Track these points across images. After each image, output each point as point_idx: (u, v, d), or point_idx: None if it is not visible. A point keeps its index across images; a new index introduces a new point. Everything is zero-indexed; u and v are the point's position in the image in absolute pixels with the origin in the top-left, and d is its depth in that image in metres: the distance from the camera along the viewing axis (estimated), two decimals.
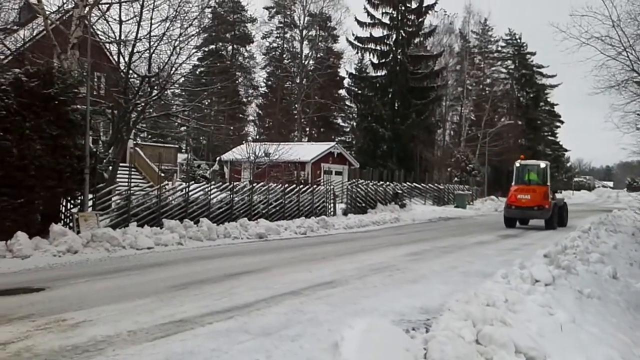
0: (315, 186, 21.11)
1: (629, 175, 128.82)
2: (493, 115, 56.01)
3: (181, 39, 15.54)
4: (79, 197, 12.49)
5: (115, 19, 15.63)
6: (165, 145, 32.23)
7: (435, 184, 35.61)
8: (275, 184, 19.52)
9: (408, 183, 31.13)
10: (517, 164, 22.34)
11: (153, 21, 15.21)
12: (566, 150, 75.07)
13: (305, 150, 32.08)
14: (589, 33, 18.53)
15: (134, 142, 24.42)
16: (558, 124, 71.05)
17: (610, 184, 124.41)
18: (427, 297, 7.42)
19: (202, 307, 6.62)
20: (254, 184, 18.46)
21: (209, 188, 16.21)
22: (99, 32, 16.53)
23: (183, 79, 19.48)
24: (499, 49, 65.43)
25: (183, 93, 43.76)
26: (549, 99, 68.85)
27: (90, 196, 12.67)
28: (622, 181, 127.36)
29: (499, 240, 16.22)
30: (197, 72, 38.61)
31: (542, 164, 22.45)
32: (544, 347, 4.88)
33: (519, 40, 65.80)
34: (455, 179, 40.06)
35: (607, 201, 64.41)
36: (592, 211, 36.96)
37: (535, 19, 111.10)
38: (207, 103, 38.22)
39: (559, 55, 73.97)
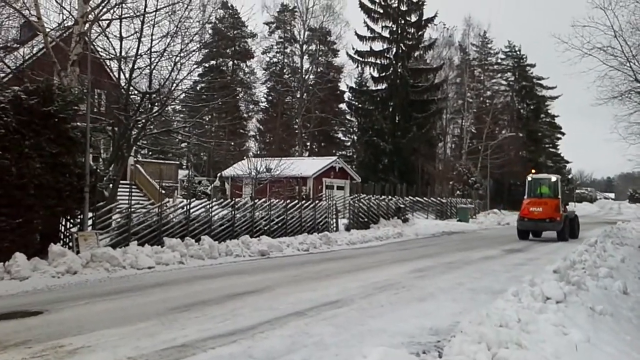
0: (317, 201, 20.93)
1: (631, 187, 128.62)
2: (494, 127, 56.00)
3: (182, 54, 15.48)
4: (79, 216, 12.31)
5: (115, 35, 15.59)
6: (166, 162, 32.12)
7: (438, 198, 35.42)
8: (277, 200, 19.34)
9: (410, 197, 30.95)
10: (529, 178, 23.05)
11: (154, 37, 15.17)
12: (567, 162, 74.85)
13: (307, 165, 31.93)
14: (591, 44, 18.49)
15: (135, 159, 24.31)
16: (559, 135, 70.95)
17: (612, 195, 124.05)
18: (437, 317, 7.21)
19: (204, 330, 6.42)
20: (256, 200, 18.29)
21: (211, 205, 16.03)
22: (99, 49, 16.48)
23: (184, 94, 19.40)
24: (499, 61, 65.68)
25: (184, 109, 43.85)
26: (549, 111, 68.84)
27: (90, 215, 12.49)
28: (623, 192, 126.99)
29: (505, 255, 15.99)
30: (198, 88, 38.68)
31: (553, 178, 23.06)
32: None
33: (518, 52, 66.01)
34: (458, 192, 39.88)
35: (610, 213, 64.11)
36: (596, 223, 36.73)
37: (535, 31, 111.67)
38: (207, 119, 38.18)
39: (560, 66, 74.07)
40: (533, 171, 24.52)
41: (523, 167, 57.01)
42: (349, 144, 59.59)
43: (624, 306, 8.88)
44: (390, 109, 46.16)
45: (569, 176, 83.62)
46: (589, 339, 6.00)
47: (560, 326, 6.19)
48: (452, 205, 35.22)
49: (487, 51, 63.83)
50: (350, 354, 5.47)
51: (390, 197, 26.31)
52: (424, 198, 34.04)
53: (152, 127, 17.55)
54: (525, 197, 22.41)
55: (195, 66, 21.02)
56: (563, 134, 70.94)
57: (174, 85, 16.13)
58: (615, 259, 14.02)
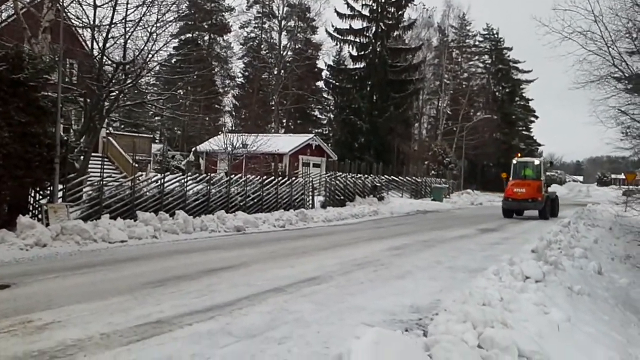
0: (293, 178, 20.73)
1: (599, 170, 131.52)
2: (469, 109, 56.35)
3: (158, 24, 14.95)
4: (49, 188, 11.88)
5: (89, 3, 14.94)
6: (140, 135, 31.43)
7: (413, 177, 35.54)
8: (253, 176, 19.08)
9: (386, 176, 30.96)
10: (515, 161, 24.49)
11: (129, 5, 14.59)
12: (540, 145, 75.94)
13: (284, 142, 31.62)
14: (571, 27, 18.45)
15: (107, 131, 23.68)
16: (532, 118, 71.82)
17: (580, 178, 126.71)
18: (416, 295, 7.14)
19: (180, 306, 6.23)
20: (232, 176, 18.00)
21: (185, 179, 15.70)
22: (71, 16, 15.81)
23: (159, 66, 18.86)
24: (477, 43, 65.84)
25: (158, 82, 42.91)
26: (524, 94, 69.56)
27: (61, 187, 12.06)
28: (591, 176, 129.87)
29: (479, 234, 16.09)
30: (173, 61, 37.81)
31: (537, 161, 24.58)
32: (547, 350, 4.62)
33: (496, 35, 66.28)
34: (433, 172, 40.11)
35: (579, 195, 65.44)
36: (567, 205, 37.34)
37: (513, 14, 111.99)
38: (182, 92, 37.45)
39: (538, 50, 74.68)
40: (518, 155, 25.78)
41: (497, 148, 57.76)
42: (325, 122, 59.34)
43: (599, 286, 8.98)
44: (368, 88, 45.96)
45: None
46: (569, 319, 6.00)
47: (541, 305, 6.17)
48: (426, 185, 35.41)
49: (465, 33, 63.88)
50: (331, 332, 5.36)
51: (366, 175, 26.27)
52: (400, 177, 34.12)
53: (125, 98, 17.04)
54: (510, 178, 23.68)
55: (171, 38, 20.46)
56: (537, 117, 71.90)
57: (149, 56, 15.63)
58: (589, 240, 14.24)
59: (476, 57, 66.37)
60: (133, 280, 7.58)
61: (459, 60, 61.49)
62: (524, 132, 70.57)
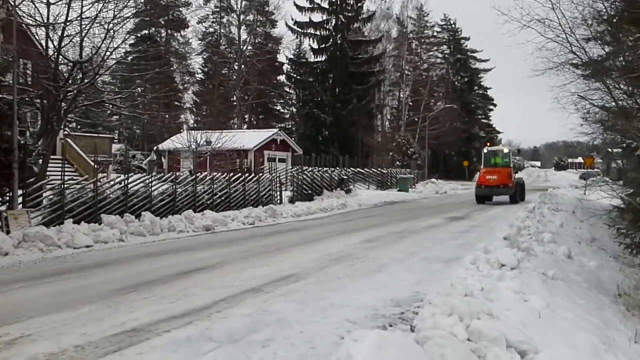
0: (260, 174, 20.51)
1: (556, 155, 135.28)
2: (430, 99, 56.95)
3: (115, 21, 14.45)
4: (8, 194, 11.38)
5: (42, 1, 14.34)
6: (99, 135, 30.56)
7: (379, 169, 35.70)
8: (219, 173, 18.77)
9: (352, 168, 31.00)
10: (485, 150, 25.94)
11: (84, 2, 14.04)
12: (499, 133, 77.45)
13: (248, 138, 31.28)
14: (530, 15, 18.73)
15: (65, 132, 22.89)
16: (491, 107, 73.17)
17: (538, 163, 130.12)
18: (396, 288, 7.09)
19: (155, 312, 6.01)
20: (197, 174, 17.66)
21: (150, 179, 15.32)
22: (24, 15, 15.14)
23: (116, 64, 18.29)
24: (435, 34, 66.51)
25: (115, 81, 41.79)
26: (482, 83, 70.78)
27: (20, 192, 11.58)
28: (548, 161, 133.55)
29: (448, 223, 16.24)
30: (130, 59, 36.86)
31: (505, 150, 26.20)
32: (533, 339, 4.62)
33: (453, 26, 67.16)
34: (397, 162, 40.38)
35: (537, 180, 67.23)
36: (528, 190, 38.17)
37: (471, 3, 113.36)
38: (140, 90, 36.54)
39: (498, 39, 76.00)
40: (488, 144, 27.30)
41: (457, 137, 58.59)
42: (288, 116, 59.05)
43: (571, 270, 9.14)
44: (330, 81, 45.90)
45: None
46: (549, 305, 6.05)
47: (520, 293, 6.20)
48: (392, 176, 35.64)
49: (423, 24, 64.44)
50: (315, 331, 5.25)
51: (332, 168, 26.23)
52: (365, 169, 34.24)
53: (83, 98, 16.46)
54: (482, 167, 25.09)
55: (128, 35, 19.87)
56: (495, 105, 73.29)
57: (107, 54, 15.12)
58: (555, 224, 14.52)
59: (435, 48, 67.12)
60: (103, 287, 7.30)
61: (419, 51, 61.99)
62: (483, 120, 71.86)
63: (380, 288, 7.13)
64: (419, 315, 5.03)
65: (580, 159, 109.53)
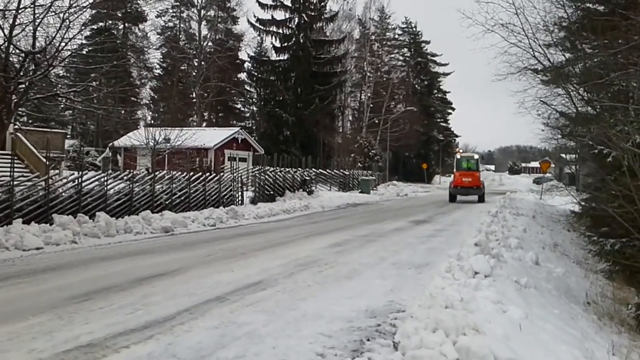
0: (222, 174, 19.95)
1: (510, 160, 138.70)
2: (391, 102, 57.24)
3: (71, 10, 13.65)
4: None
5: None
6: (52, 130, 29.26)
7: (341, 170, 35.53)
8: (178, 172, 18.12)
9: (314, 169, 30.69)
10: (458, 156, 31.20)
11: None
12: (457, 136, 78.72)
13: (209, 136, 30.53)
14: (494, 20, 18.84)
15: (15, 126, 21.74)
16: (450, 111, 74.23)
17: (492, 167, 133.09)
18: (369, 297, 6.79)
19: (112, 324, 5.52)
20: (156, 172, 17.00)
21: (105, 177, 14.59)
22: None
23: (72, 55, 17.40)
24: (396, 36, 66.87)
25: (69, 74, 40.23)
26: (441, 87, 71.73)
27: None
28: (502, 164, 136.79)
29: (413, 226, 16.12)
30: (85, 52, 35.54)
31: (475, 156, 31.08)
32: (520, 356, 4.39)
33: (414, 29, 67.75)
34: (359, 164, 40.32)
35: (492, 184, 68.40)
36: (485, 194, 38.78)
37: (433, 7, 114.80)
38: (96, 85, 35.28)
39: (456, 43, 77.13)
40: (460, 151, 32.84)
41: (417, 140, 59.07)
42: (248, 115, 58.29)
43: (541, 277, 9.06)
44: (293, 80, 45.45)
45: (457, 149, 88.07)
46: (527, 316, 5.88)
47: (498, 303, 6.02)
48: (354, 177, 35.52)
49: (385, 26, 64.61)
50: (290, 346, 4.89)
51: (294, 169, 25.87)
52: (327, 170, 34.01)
53: (35, 91, 15.57)
54: (455, 170, 29.31)
55: (84, 26, 18.98)
56: (453, 109, 74.40)
57: (62, 45, 14.30)
58: (518, 229, 14.56)
59: (396, 50, 67.47)
60: (56, 295, 6.75)
61: (380, 53, 62.16)
62: (442, 123, 72.78)
63: (354, 296, 6.82)
64: (400, 330, 4.74)
65: (533, 164, 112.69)
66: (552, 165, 52.40)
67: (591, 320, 7.24)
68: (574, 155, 36.76)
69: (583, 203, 19.83)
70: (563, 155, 43.90)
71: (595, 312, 7.94)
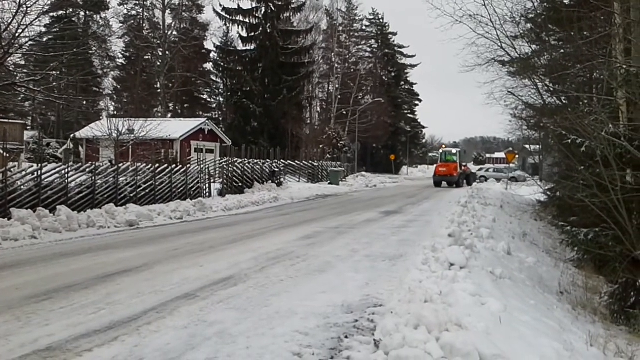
0: (188, 165, 19.48)
1: (475, 150, 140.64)
2: (359, 93, 57.17)
3: None
4: None
5: None
6: (10, 121, 28.15)
7: (310, 162, 35.29)
8: (142, 164, 17.58)
9: (282, 161, 30.37)
10: (441, 150, 38.77)
11: None
12: (424, 128, 79.30)
13: (174, 127, 29.80)
14: (462, 11, 18.84)
15: None
16: (417, 102, 74.67)
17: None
18: (345, 291, 6.60)
19: (74, 325, 5.19)
20: (120, 164, 16.46)
21: (66, 170, 14.01)
22: None
23: (31, 43, 16.67)
24: (364, 28, 66.75)
25: (28, 63, 38.76)
26: (408, 79, 72.03)
27: None
28: (467, 155, 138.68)
29: (384, 217, 16.03)
30: (45, 40, 34.32)
31: (454, 150, 38.07)
32: (504, 351, 4.26)
33: (381, 20, 67.68)
34: (328, 155, 40.16)
35: None
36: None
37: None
38: (56, 74, 34.11)
39: (423, 35, 77.46)
40: (443, 145, 41.11)
41: (385, 131, 59.21)
42: (215, 105, 57.39)
43: (514, 267, 9.04)
44: (260, 71, 44.84)
45: (424, 140, 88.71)
46: (506, 308, 5.78)
47: (477, 296, 5.91)
48: (323, 169, 35.34)
49: (353, 17, 64.40)
50: (264, 346, 4.65)
51: (263, 161, 25.53)
52: (296, 161, 33.73)
53: None
54: (439, 162, 36.31)
55: (43, 13, 18.19)
56: (420, 100, 74.87)
57: (20, 31, 13.61)
58: (488, 219, 14.60)
59: (364, 42, 67.31)
60: (13, 294, 6.35)
61: (348, 44, 61.96)
62: (409, 115, 73.15)
63: (328, 291, 6.62)
64: (380, 326, 4.56)
65: (497, 154, 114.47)
66: (517, 156, 53.30)
67: (566, 311, 7.22)
68: (538, 146, 37.61)
69: (549, 193, 20.15)
70: (527, 146, 44.78)
71: (569, 301, 7.94)
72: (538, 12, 18.09)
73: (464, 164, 37.90)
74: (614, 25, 9.78)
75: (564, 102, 15.34)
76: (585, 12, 10.49)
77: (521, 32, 19.38)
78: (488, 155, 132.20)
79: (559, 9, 13.90)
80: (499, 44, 19.57)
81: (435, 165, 36.16)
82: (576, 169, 9.16)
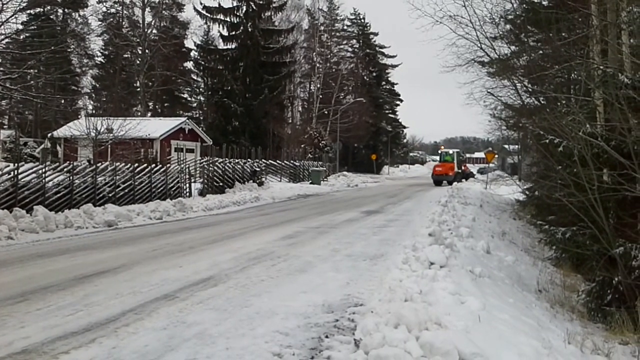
0: (168, 165, 19.31)
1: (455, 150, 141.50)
2: (340, 93, 57.26)
3: None
4: None
5: None
6: None
7: (291, 161, 35.23)
8: (121, 164, 17.39)
9: (264, 160, 30.28)
10: (440, 151, 43.46)
11: None
12: (405, 127, 79.67)
13: (154, 126, 29.52)
14: (442, 11, 19.02)
15: None
16: (398, 102, 74.98)
17: (438, 157, 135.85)
18: (325, 291, 6.60)
19: (51, 327, 5.11)
20: (98, 164, 16.25)
21: (44, 169, 13.80)
22: None
23: (6, 39, 16.38)
24: (345, 27, 66.87)
25: (4, 61, 38.07)
26: (390, 79, 72.30)
27: None
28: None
29: (365, 217, 16.06)
30: (22, 38, 33.74)
31: (451, 151, 41.29)
32: (483, 350, 4.28)
33: (363, 20, 67.83)
34: (309, 155, 40.15)
35: None
36: (433, 184, 39.57)
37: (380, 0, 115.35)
38: (33, 72, 33.57)
39: (403, 36, 77.66)
40: (442, 147, 40.78)
41: (366, 131, 59.39)
42: (195, 105, 56.99)
43: (493, 266, 9.12)
44: (241, 70, 44.61)
45: (404, 140, 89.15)
46: (485, 306, 5.82)
47: (456, 295, 5.93)
48: (304, 168, 35.31)
49: (334, 17, 64.48)
50: (244, 347, 4.62)
51: (244, 160, 25.42)
52: (277, 161, 33.65)
53: None
54: (438, 161, 40.32)
55: (21, 10, 17.89)
56: (401, 100, 75.23)
57: None
58: (467, 218, 14.71)
59: (345, 42, 67.39)
60: None
61: (329, 44, 62.00)
62: (390, 115, 73.40)
63: (309, 291, 6.60)
64: (360, 325, 4.56)
65: (477, 154, 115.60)
66: (496, 156, 53.86)
67: (544, 309, 7.29)
68: (517, 146, 38.21)
69: (527, 192, 20.39)
70: (506, 146, 45.41)
71: (547, 299, 8.02)
72: (517, 13, 18.28)
73: (463, 164, 41.92)
74: (591, 27, 9.92)
75: (542, 102, 15.54)
76: (564, 14, 10.63)
77: (500, 33, 19.59)
78: (468, 155, 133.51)
79: (537, 10, 14.05)
80: (479, 45, 19.77)
81: (434, 166, 39.58)
82: (554, 169, 9.28)
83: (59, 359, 4.36)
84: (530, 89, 17.61)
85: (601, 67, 8.27)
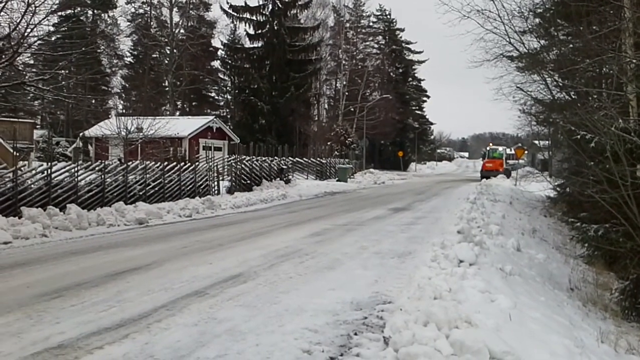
0: (197, 163, 19.53)
1: (483, 147, 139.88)
2: (366, 89, 57.06)
3: None
4: None
5: None
6: (20, 120, 28.34)
7: (318, 159, 35.28)
8: (152, 162, 17.66)
9: (290, 158, 30.39)
10: (488, 148, 44.90)
11: None
12: (432, 124, 79.05)
13: (183, 125, 29.91)
14: (470, 6, 18.76)
15: None
16: (424, 98, 74.41)
17: (466, 154, 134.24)
18: (353, 288, 6.60)
19: (85, 323, 5.23)
20: (128, 163, 16.53)
21: (76, 168, 14.10)
22: None
23: (39, 41, 16.75)
24: (371, 24, 66.56)
25: (37, 63, 38.99)
26: (416, 75, 71.77)
27: None
28: (476, 152, 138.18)
29: (392, 214, 16.00)
30: (54, 39, 34.51)
31: (500, 149, 44.11)
32: (514, 348, 4.24)
33: (389, 16, 67.45)
34: (336, 152, 40.13)
35: (467, 170, 69.12)
36: (461, 180, 39.24)
37: None
38: (65, 73, 34.31)
39: (431, 31, 76.95)
40: (490, 144, 44.70)
41: (393, 128, 59.10)
42: (222, 103, 57.48)
43: (523, 264, 9.00)
44: (267, 68, 44.82)
45: (432, 137, 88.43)
46: (515, 305, 5.77)
47: (486, 293, 5.90)
48: (331, 166, 35.33)
49: (360, 13, 64.27)
50: (274, 343, 4.66)
51: (271, 158, 25.56)
52: (304, 159, 33.73)
53: (1, 79, 14.96)
54: (486, 158, 41.59)
55: (51, 12, 18.30)
56: (428, 97, 74.61)
57: (28, 30, 13.68)
58: (497, 215, 14.56)
59: (371, 38, 67.14)
60: (24, 292, 6.40)
61: (355, 40, 61.84)
62: (417, 111, 72.92)
63: (337, 288, 6.62)
64: (389, 323, 4.56)
65: (507, 150, 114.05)
66: (526, 152, 53.07)
67: (576, 307, 7.18)
68: (547, 142, 37.66)
69: (558, 189, 20.03)
70: (536, 142, 44.86)
71: (579, 298, 7.90)
72: (546, 6, 17.95)
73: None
74: (623, 19, 9.69)
75: (573, 97, 15.23)
76: (594, 6, 10.41)
77: (529, 27, 19.24)
78: None
79: (567, 3, 13.77)
80: (507, 39, 19.46)
81: (484, 162, 41.31)
82: (586, 165, 9.11)
83: (94, 354, 4.46)
84: (560, 84, 17.26)
85: (634, 60, 8.09)
